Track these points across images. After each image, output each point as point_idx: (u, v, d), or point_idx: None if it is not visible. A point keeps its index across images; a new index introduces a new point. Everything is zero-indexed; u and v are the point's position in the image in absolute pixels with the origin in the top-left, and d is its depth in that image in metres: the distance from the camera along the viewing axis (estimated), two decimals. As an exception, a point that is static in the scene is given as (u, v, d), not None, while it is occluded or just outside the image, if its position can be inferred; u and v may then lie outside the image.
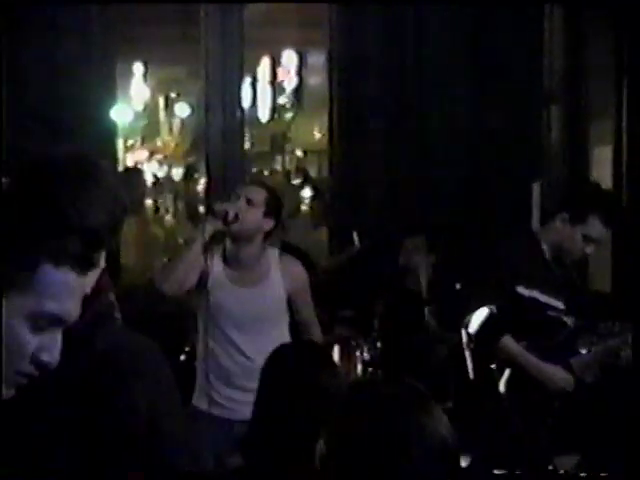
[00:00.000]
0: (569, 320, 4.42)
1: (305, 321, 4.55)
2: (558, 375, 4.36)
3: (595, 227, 4.43)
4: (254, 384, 2.91)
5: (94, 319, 2.07)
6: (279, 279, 4.46)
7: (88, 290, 1.82)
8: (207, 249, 4.36)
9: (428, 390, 4.12)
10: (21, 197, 2.15)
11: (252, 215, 4.37)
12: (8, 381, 1.59)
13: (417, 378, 4.21)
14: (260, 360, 3.03)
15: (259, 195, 4.41)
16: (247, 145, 7.81)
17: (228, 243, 4.43)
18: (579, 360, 4.40)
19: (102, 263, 2.18)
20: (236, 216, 4.31)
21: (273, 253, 4.52)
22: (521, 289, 4.32)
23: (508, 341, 4.32)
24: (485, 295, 4.29)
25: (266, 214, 4.40)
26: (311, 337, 4.40)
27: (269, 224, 4.43)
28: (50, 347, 1.60)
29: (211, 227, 4.34)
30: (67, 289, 1.63)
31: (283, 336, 4.35)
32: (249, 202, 4.37)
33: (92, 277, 2.13)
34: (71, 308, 1.63)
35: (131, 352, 2.10)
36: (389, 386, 2.11)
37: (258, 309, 4.39)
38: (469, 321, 4.25)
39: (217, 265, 4.42)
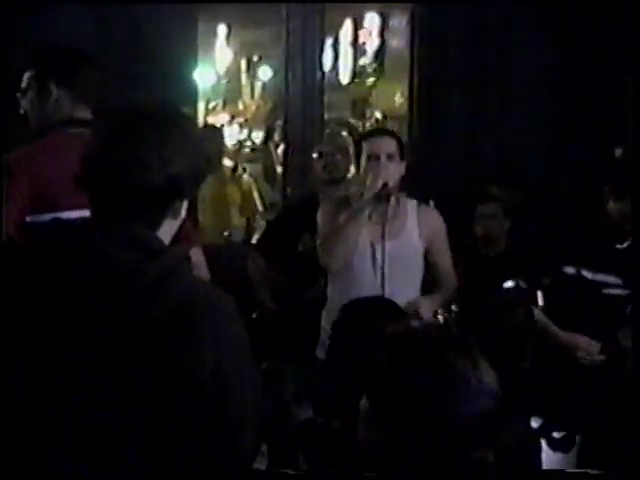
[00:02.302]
0: (626, 293, 4.33)
1: (441, 273, 4.40)
2: (582, 340, 4.29)
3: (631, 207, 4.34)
4: None
5: (169, 270, 2.07)
6: (416, 230, 4.34)
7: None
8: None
9: (504, 352, 4.07)
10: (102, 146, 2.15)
11: (395, 170, 4.24)
12: None
13: (492, 340, 4.17)
14: None
15: (392, 146, 4.26)
16: (327, 108, 7.78)
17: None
18: (625, 330, 4.31)
19: (183, 213, 2.18)
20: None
21: (411, 204, 4.40)
22: (568, 268, 4.26)
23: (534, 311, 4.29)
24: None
25: (401, 160, 4.28)
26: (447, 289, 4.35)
27: (403, 169, 4.30)
28: None
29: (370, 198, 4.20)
30: None
31: (415, 292, 4.26)
32: (389, 157, 4.23)
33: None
34: None
35: (204, 305, 2.09)
36: (431, 336, 2.05)
37: (397, 262, 4.23)
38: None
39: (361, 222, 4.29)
